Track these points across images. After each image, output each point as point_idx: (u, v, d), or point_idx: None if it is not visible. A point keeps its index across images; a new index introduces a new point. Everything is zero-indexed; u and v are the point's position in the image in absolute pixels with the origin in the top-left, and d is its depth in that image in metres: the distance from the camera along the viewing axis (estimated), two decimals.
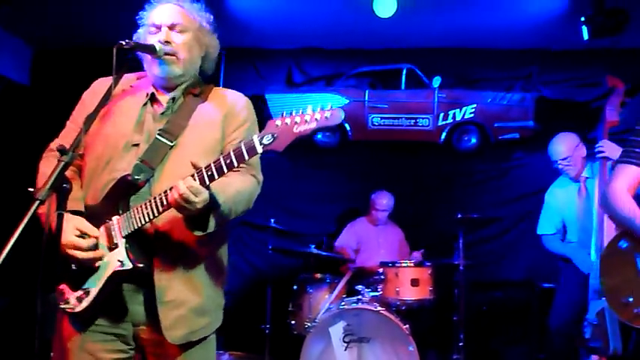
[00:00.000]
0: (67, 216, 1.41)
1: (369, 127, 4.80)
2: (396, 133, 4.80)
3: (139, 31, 1.75)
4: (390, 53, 4.89)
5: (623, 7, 3.71)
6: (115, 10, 4.26)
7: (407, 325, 3.28)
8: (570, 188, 3.43)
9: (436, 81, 4.73)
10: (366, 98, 4.82)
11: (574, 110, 4.71)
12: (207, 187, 1.44)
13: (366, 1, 4.02)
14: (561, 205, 3.49)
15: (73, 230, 1.51)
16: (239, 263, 4.83)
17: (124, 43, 1.55)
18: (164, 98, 1.70)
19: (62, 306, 1.55)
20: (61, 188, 1.27)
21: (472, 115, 4.74)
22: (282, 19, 4.49)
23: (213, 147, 1.65)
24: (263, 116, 5.01)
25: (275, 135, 1.36)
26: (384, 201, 4.37)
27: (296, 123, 1.35)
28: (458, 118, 4.76)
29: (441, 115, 4.76)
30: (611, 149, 2.94)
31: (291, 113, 1.37)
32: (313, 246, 3.81)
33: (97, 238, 1.54)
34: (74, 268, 1.55)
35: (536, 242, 3.85)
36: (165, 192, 1.47)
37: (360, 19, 4.23)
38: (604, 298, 2.72)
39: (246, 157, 1.40)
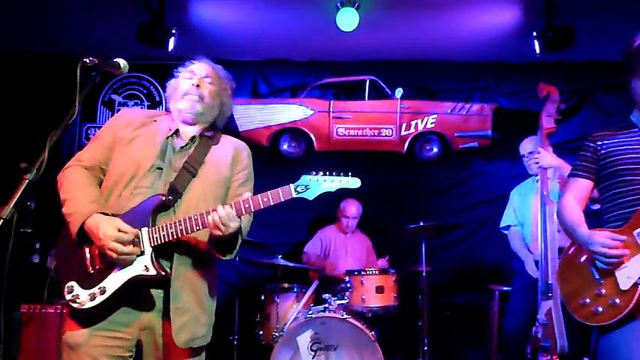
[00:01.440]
0: (101, 216, 1.67)
1: (333, 138, 4.89)
2: (360, 143, 4.90)
3: (171, 81, 2.08)
4: (354, 65, 5.00)
5: (570, 24, 3.92)
6: (55, 17, 4.27)
7: (373, 332, 3.35)
8: (530, 189, 3.61)
9: (398, 92, 4.86)
10: (331, 109, 4.91)
11: (530, 120, 4.88)
12: (240, 218, 1.73)
13: (329, 15, 4.11)
14: (520, 202, 3.66)
15: (114, 227, 1.68)
16: None
17: (87, 61, 1.61)
18: (186, 135, 1.98)
19: (70, 302, 1.68)
20: (24, 206, 1.28)
21: (433, 125, 4.88)
22: (247, 30, 4.55)
23: (224, 182, 1.95)
24: (229, 126, 5.05)
25: (308, 186, 1.75)
26: (353, 208, 4.44)
27: (324, 181, 1.76)
28: (420, 128, 4.89)
29: (404, 125, 4.89)
30: (546, 158, 3.08)
31: (321, 173, 1.79)
32: (280, 256, 3.83)
33: (135, 235, 1.71)
34: (91, 270, 1.71)
35: (495, 248, 4.00)
36: (201, 214, 1.72)
37: (323, 31, 4.32)
38: (550, 299, 2.87)
39: (282, 199, 1.73)
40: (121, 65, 1.72)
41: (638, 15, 4.09)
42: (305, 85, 5.05)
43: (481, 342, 4.10)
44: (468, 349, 4.18)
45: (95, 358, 1.69)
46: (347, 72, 5.00)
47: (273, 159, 4.96)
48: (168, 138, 1.94)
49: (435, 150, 4.94)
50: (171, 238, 1.73)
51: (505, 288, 3.96)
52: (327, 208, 4.56)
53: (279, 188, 1.72)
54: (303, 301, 3.63)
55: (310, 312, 3.47)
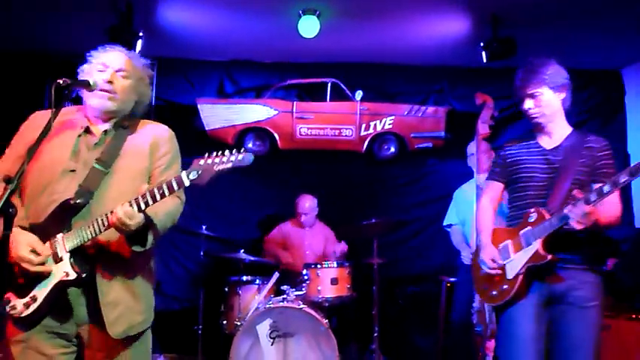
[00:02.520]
0: (18, 231, 1.71)
1: (296, 137, 5.11)
2: (322, 143, 5.14)
3: (84, 66, 1.98)
4: (316, 67, 5.23)
5: (513, 36, 4.24)
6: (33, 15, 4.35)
7: (326, 321, 3.62)
8: (471, 190, 3.93)
9: (358, 94, 5.10)
10: (294, 109, 5.13)
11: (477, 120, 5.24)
12: (143, 211, 1.72)
13: (291, 22, 4.32)
14: (462, 201, 3.98)
15: (26, 246, 1.74)
16: (173, 268, 4.99)
17: (61, 81, 1.77)
18: (97, 130, 1.94)
19: (10, 312, 1.76)
20: (7, 212, 1.48)
21: (391, 125, 5.16)
22: (214, 31, 4.69)
23: (142, 174, 1.92)
24: (195, 125, 5.20)
25: (199, 172, 1.67)
26: (306, 204, 4.67)
27: (216, 163, 1.67)
28: (378, 129, 5.16)
29: (363, 125, 5.15)
30: (473, 162, 3.46)
31: (212, 154, 1.70)
32: (242, 250, 4.05)
33: (47, 255, 1.77)
34: (22, 281, 1.77)
35: (446, 241, 4.31)
36: (107, 215, 1.73)
37: (287, 35, 4.52)
38: None
39: (176, 189, 1.70)
40: (91, 83, 1.86)
41: (576, 27, 4.46)
42: (270, 85, 5.24)
43: (430, 329, 4.41)
44: (418, 335, 4.50)
45: (41, 350, 1.79)
46: (310, 74, 5.22)
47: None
48: (80, 136, 1.90)
49: (392, 149, 5.23)
50: (84, 242, 1.77)
51: (452, 279, 4.27)
52: (288, 204, 4.79)
53: (173, 177, 1.70)
54: (264, 292, 3.87)
55: (270, 302, 3.71)
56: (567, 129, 2.39)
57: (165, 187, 1.70)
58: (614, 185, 2.00)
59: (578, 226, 2.04)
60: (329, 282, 3.87)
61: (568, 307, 2.18)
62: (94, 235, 1.76)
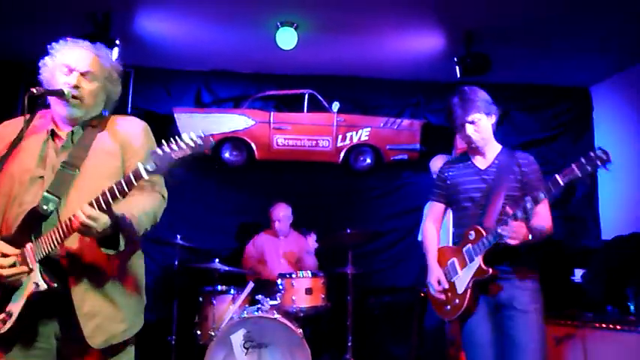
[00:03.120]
0: None
1: (273, 147, 5.15)
2: (299, 153, 5.18)
3: (46, 60, 1.87)
4: (294, 79, 5.29)
5: (486, 52, 4.37)
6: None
7: (300, 330, 3.63)
8: None
9: (335, 106, 5.18)
10: (271, 120, 5.16)
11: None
12: (107, 212, 1.61)
13: (270, 34, 4.37)
14: None
15: None
16: (146, 277, 4.92)
17: (34, 90, 1.74)
18: (64, 133, 1.85)
19: None
20: None
21: (367, 137, 5.24)
22: (192, 41, 4.72)
23: (114, 173, 1.81)
24: (173, 134, 5.19)
25: (157, 162, 1.57)
26: (280, 213, 4.68)
27: (173, 150, 1.56)
28: (354, 140, 5.24)
29: (340, 137, 5.21)
30: None
31: (169, 142, 1.58)
32: (217, 260, 4.05)
33: (17, 255, 1.70)
34: None
35: (419, 251, 4.37)
36: (70, 219, 1.63)
37: (265, 47, 4.56)
38: None
39: (135, 182, 1.60)
40: (65, 93, 1.81)
41: (547, 45, 4.62)
42: (247, 96, 5.28)
43: (405, 338, 4.46)
44: (392, 345, 4.54)
45: None
46: (287, 85, 5.28)
47: (215, 167, 5.17)
48: (46, 141, 1.82)
49: (368, 161, 5.30)
50: (52, 249, 1.68)
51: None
52: (264, 214, 4.81)
53: (131, 171, 1.60)
54: (238, 302, 3.86)
55: (244, 312, 3.71)
56: (497, 147, 2.57)
57: (123, 182, 1.60)
58: (535, 201, 2.20)
59: (513, 242, 2.22)
60: (303, 292, 3.89)
61: (513, 311, 2.35)
62: (59, 242, 1.67)
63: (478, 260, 2.37)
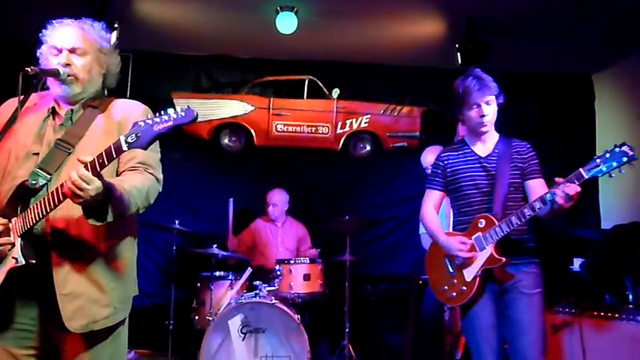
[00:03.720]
0: None
1: (272, 133, 5.11)
2: (298, 140, 5.15)
3: (42, 47, 1.86)
4: (294, 64, 5.24)
5: (487, 40, 4.33)
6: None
7: (298, 316, 3.64)
8: None
9: (335, 92, 5.12)
10: (271, 106, 5.12)
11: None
12: (99, 177, 1.54)
13: (269, 18, 4.32)
14: None
15: None
16: (144, 263, 4.94)
17: (29, 69, 1.72)
18: (64, 111, 1.84)
19: None
20: None
21: (366, 124, 5.20)
22: (191, 26, 4.67)
23: None
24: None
25: (138, 134, 1.53)
26: (275, 197, 4.65)
27: (156, 122, 1.53)
28: (354, 127, 5.20)
29: (339, 124, 5.17)
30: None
31: (153, 116, 1.56)
32: (215, 246, 4.04)
33: (4, 224, 1.67)
34: None
35: (417, 239, 4.37)
36: (58, 187, 1.59)
37: (265, 32, 4.52)
38: None
39: (115, 155, 1.55)
40: (60, 72, 1.80)
41: (549, 33, 4.57)
42: (246, 81, 5.23)
43: (401, 326, 4.46)
44: (389, 332, 4.55)
45: (8, 351, 1.70)
46: (287, 71, 5.23)
47: (214, 153, 5.14)
48: (46, 119, 1.82)
49: (368, 148, 5.27)
50: (34, 222, 1.63)
51: (425, 277, 4.33)
52: (262, 200, 4.79)
53: (112, 143, 1.55)
54: (236, 288, 3.87)
55: (242, 298, 3.71)
56: (496, 136, 2.57)
57: (104, 154, 1.54)
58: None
59: (567, 204, 2.16)
60: (301, 278, 3.89)
61: (517, 294, 2.39)
62: (44, 213, 1.62)
63: (489, 249, 2.36)
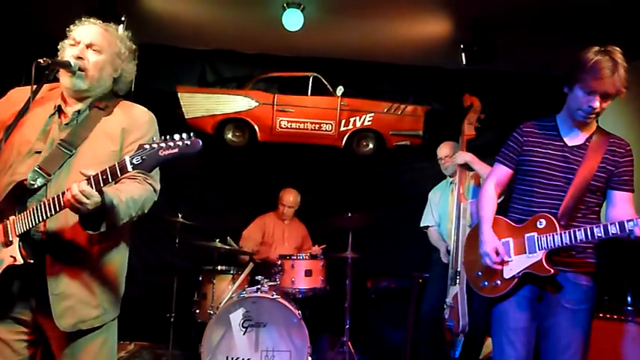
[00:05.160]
0: None
1: (276, 130, 5.12)
2: (302, 136, 5.16)
3: (64, 42, 1.89)
4: (299, 61, 5.25)
5: (493, 40, 4.34)
6: None
7: (299, 312, 3.66)
8: (446, 189, 4.02)
9: (339, 90, 5.14)
10: (275, 102, 5.14)
11: (458, 122, 5.32)
12: (100, 192, 1.61)
13: (276, 15, 4.33)
14: (437, 202, 4.07)
15: None
16: (147, 255, 4.98)
17: (41, 60, 1.73)
18: (70, 110, 1.85)
19: None
20: None
21: (370, 122, 5.21)
22: (198, 20, 4.68)
23: (109, 158, 1.77)
24: (176, 112, 5.17)
25: (144, 157, 1.57)
26: (290, 197, 4.72)
27: (162, 148, 1.57)
28: (358, 125, 5.21)
29: (343, 121, 5.18)
30: (461, 155, 3.52)
31: (159, 139, 1.60)
32: (218, 240, 4.07)
33: (3, 225, 1.70)
34: None
35: (420, 238, 4.40)
36: (58, 195, 1.63)
37: (271, 28, 4.53)
38: (457, 285, 3.28)
39: (119, 174, 1.59)
40: (72, 64, 1.81)
41: (556, 34, 4.58)
42: (251, 77, 5.25)
43: (401, 323, 4.49)
44: (389, 328, 4.58)
45: (6, 342, 1.74)
46: (292, 67, 5.24)
47: (218, 148, 5.16)
48: (52, 116, 1.82)
49: (371, 146, 5.28)
50: (33, 224, 1.67)
51: (426, 275, 4.36)
52: (265, 195, 4.81)
53: (117, 162, 1.59)
54: (238, 282, 3.90)
55: (244, 292, 3.74)
56: (594, 125, 2.22)
57: (108, 172, 1.59)
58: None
59: None
60: (303, 274, 3.92)
61: (560, 308, 2.13)
62: (44, 217, 1.66)
63: (540, 255, 2.10)
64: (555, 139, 2.21)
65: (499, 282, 2.21)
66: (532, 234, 2.14)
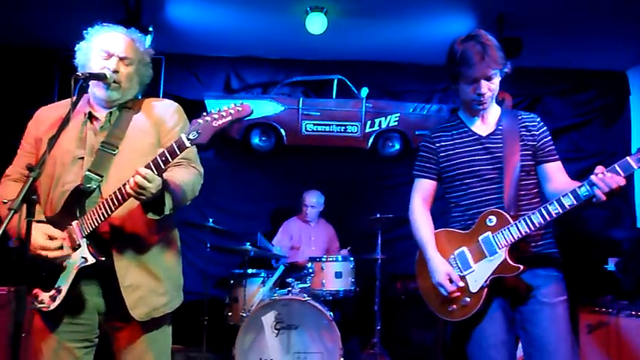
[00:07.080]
0: (33, 225, 1.59)
1: (302, 133, 5.17)
2: (327, 139, 5.20)
3: (81, 44, 1.94)
4: (323, 64, 5.29)
5: (519, 36, 4.29)
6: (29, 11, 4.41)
7: (330, 313, 3.68)
8: None
9: (364, 91, 5.15)
10: (300, 106, 5.18)
11: None
12: (160, 175, 1.66)
13: (299, 19, 4.37)
14: None
15: (42, 235, 1.76)
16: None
17: (80, 74, 1.80)
18: (101, 115, 1.93)
19: (38, 306, 1.78)
20: (30, 199, 1.54)
21: (396, 123, 5.21)
22: (221, 27, 4.76)
23: (150, 150, 1.82)
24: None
25: (199, 131, 1.62)
26: (313, 199, 4.74)
27: (214, 119, 1.63)
28: (383, 126, 5.22)
29: (368, 123, 5.20)
30: None
31: (210, 112, 1.65)
32: (249, 243, 4.11)
33: (63, 239, 1.78)
34: (44, 274, 1.79)
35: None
36: (119, 189, 1.70)
37: (294, 32, 4.58)
38: None
39: (178, 152, 1.66)
40: (108, 76, 1.87)
41: (582, 27, 4.50)
42: (276, 82, 5.31)
43: (431, 325, 4.47)
44: (419, 330, 4.55)
45: (60, 342, 1.81)
46: (316, 71, 5.28)
47: (245, 153, 5.23)
48: (84, 124, 1.89)
49: (397, 147, 5.28)
50: (98, 223, 1.74)
51: None
52: (293, 199, 4.85)
53: (174, 141, 1.65)
54: (269, 285, 3.94)
55: (275, 295, 3.77)
56: (497, 109, 2.13)
57: (166, 152, 1.65)
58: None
59: (603, 197, 1.76)
60: (333, 276, 3.93)
61: (536, 305, 1.97)
62: (106, 215, 1.72)
63: (503, 253, 1.92)
64: (467, 133, 2.10)
65: (468, 299, 1.97)
66: (486, 234, 1.96)
